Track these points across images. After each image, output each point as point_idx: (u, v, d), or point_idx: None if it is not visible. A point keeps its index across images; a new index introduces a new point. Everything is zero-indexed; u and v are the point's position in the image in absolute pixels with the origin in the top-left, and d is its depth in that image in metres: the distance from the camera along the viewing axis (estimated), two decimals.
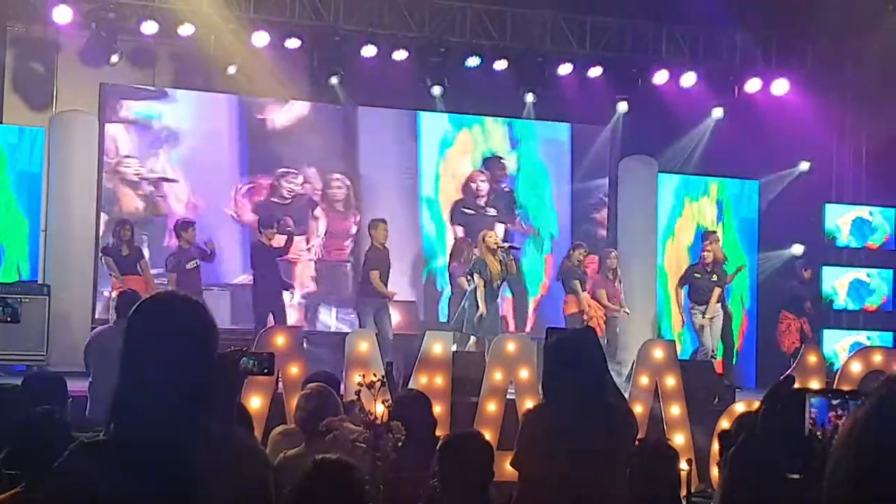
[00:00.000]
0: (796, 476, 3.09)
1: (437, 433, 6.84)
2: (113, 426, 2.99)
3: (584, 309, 14.97)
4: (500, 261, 13.69)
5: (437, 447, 5.29)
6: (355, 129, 17.09)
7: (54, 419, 5.22)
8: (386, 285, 14.13)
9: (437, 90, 16.40)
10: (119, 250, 13.91)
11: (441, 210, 17.30)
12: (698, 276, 15.25)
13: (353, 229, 16.80)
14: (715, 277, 15.23)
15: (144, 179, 16.13)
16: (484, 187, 17.11)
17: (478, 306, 13.36)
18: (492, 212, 16.89)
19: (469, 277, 13.86)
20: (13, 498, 4.38)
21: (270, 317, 13.75)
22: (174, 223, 14.59)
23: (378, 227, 14.32)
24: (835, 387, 10.91)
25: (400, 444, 5.60)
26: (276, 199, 16.59)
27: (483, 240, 13.91)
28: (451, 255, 15.84)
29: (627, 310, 15.36)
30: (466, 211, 16.84)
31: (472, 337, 13.38)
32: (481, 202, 17.07)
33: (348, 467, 4.13)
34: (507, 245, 14.23)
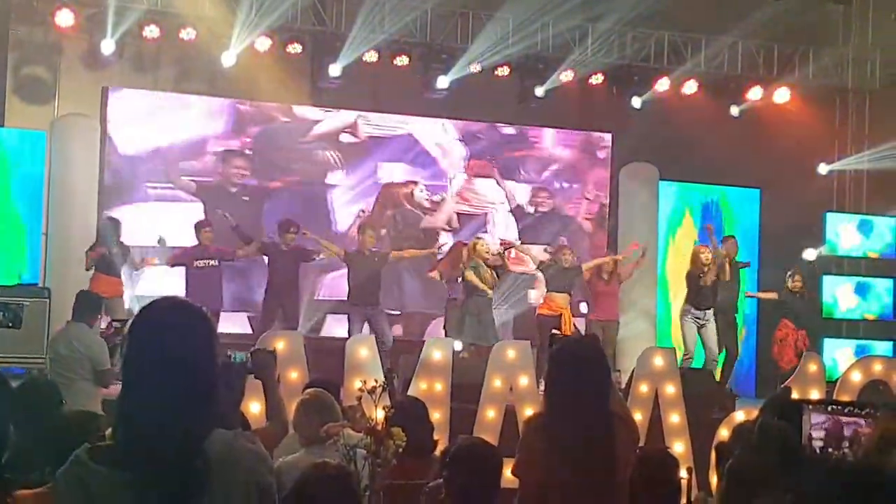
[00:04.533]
0: (792, 486, 3.10)
1: (434, 438, 6.84)
2: (118, 431, 3.00)
3: (557, 312, 14.85)
4: (491, 270, 13.92)
5: (447, 455, 5.28)
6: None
7: (93, 420, 5.24)
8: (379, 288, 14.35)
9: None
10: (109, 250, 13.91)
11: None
12: (700, 275, 15.06)
13: None
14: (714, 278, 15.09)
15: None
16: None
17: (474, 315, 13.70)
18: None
19: (461, 282, 13.99)
20: (41, 496, 4.39)
21: (280, 311, 13.92)
22: (195, 223, 14.67)
23: (366, 231, 14.42)
24: (835, 396, 10.90)
25: (401, 450, 5.59)
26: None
27: (474, 248, 14.04)
28: (448, 253, 15.78)
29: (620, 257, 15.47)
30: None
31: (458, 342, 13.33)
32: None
33: (345, 473, 4.13)
34: (498, 253, 14.42)
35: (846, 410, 4.42)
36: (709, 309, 14.94)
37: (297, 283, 14.50)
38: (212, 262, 14.18)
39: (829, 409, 4.44)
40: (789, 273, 15.95)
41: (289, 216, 14.91)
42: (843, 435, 4.35)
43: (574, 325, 14.89)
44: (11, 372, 12.69)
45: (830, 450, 4.21)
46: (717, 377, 14.74)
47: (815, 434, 4.41)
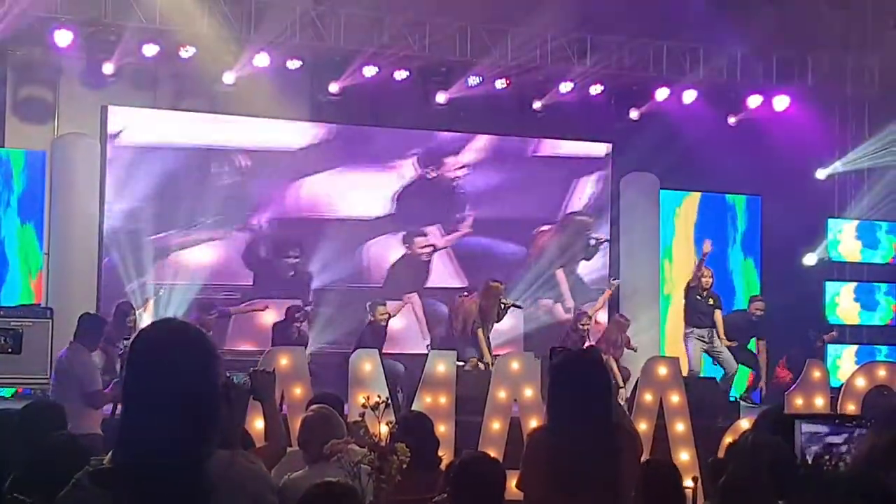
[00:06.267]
0: (785, 502, 3.11)
1: (440, 453, 6.84)
2: (118, 454, 2.98)
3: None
4: (498, 313, 14.29)
5: (451, 468, 5.27)
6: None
7: (76, 445, 5.24)
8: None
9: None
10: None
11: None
12: (699, 297, 15.04)
13: None
14: (711, 301, 15.02)
15: None
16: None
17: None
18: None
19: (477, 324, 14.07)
20: None
21: None
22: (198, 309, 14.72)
23: (377, 309, 14.49)
24: (839, 402, 10.89)
25: (405, 466, 5.58)
26: None
27: (496, 290, 14.17)
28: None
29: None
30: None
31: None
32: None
33: (348, 491, 4.12)
34: (510, 302, 14.64)
35: (837, 423, 4.41)
36: (711, 327, 14.89)
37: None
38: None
39: (819, 422, 4.43)
40: (812, 333, 15.95)
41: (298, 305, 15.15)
42: (835, 448, 4.34)
43: None
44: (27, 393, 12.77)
45: (824, 462, 4.19)
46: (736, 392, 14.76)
47: (807, 448, 4.40)
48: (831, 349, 17.11)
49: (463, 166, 17.55)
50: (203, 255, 16.15)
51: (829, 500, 2.43)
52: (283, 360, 9.87)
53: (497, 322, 14.56)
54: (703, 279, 15.03)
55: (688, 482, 8.08)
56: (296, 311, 14.82)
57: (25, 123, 15.59)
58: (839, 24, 18.09)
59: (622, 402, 11.59)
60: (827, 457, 4.14)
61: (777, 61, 17.59)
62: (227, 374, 4.46)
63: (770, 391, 15.24)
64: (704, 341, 14.89)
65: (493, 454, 9.34)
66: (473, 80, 16.35)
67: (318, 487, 4.04)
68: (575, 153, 18.14)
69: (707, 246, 15.20)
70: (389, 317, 14.62)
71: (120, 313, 13.51)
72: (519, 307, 15.14)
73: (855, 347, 17.74)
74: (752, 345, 15.85)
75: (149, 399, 2.97)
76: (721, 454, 8.15)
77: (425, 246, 17.39)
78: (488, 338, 14.21)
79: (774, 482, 4.08)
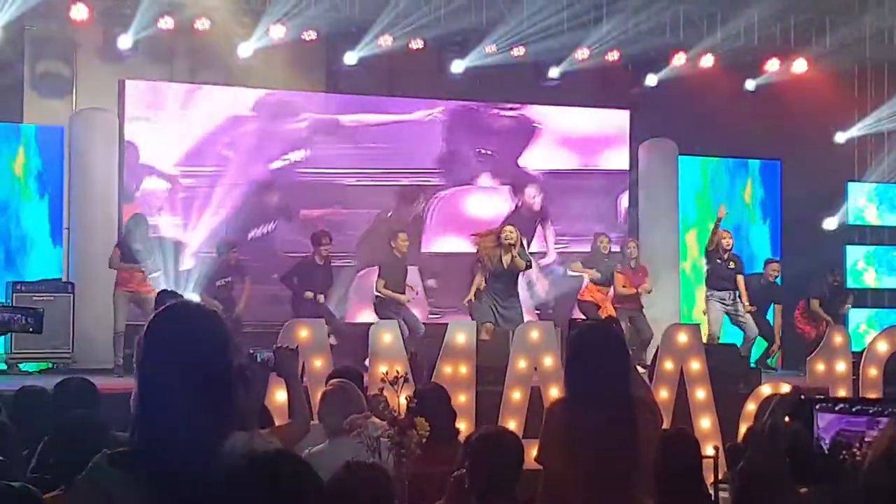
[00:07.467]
0: (804, 489, 3.11)
1: (459, 424, 6.86)
2: (135, 436, 3.00)
3: (598, 302, 14.87)
4: (512, 256, 13.57)
5: (470, 443, 5.28)
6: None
7: (92, 423, 5.27)
8: (403, 291, 14.23)
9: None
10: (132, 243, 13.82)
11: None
12: (719, 261, 14.97)
13: None
14: (732, 265, 14.95)
15: None
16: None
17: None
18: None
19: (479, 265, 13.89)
20: (53, 500, 4.41)
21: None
22: (221, 242, 14.67)
23: (398, 236, 14.37)
24: (861, 367, 10.89)
25: (424, 440, 5.60)
26: None
27: (499, 235, 13.75)
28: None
29: (649, 288, 15.09)
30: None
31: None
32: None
33: (380, 472, 4.12)
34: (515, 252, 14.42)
35: (854, 410, 4.38)
36: (732, 290, 14.81)
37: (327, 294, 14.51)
38: (227, 280, 14.10)
39: (838, 408, 4.40)
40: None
41: (323, 228, 14.90)
42: (853, 437, 4.31)
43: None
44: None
45: (841, 451, 4.17)
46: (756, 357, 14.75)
47: (825, 435, 4.38)
48: (853, 314, 17.06)
49: None
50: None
51: (848, 492, 2.43)
52: (303, 333, 9.89)
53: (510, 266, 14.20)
54: (724, 241, 14.89)
55: (709, 450, 8.08)
56: (322, 236, 14.40)
57: (44, 99, 15.62)
58: None
59: (642, 371, 11.57)
60: (845, 446, 4.11)
61: (795, 24, 17.46)
62: (251, 351, 4.48)
63: (789, 353, 15.20)
64: (726, 304, 14.82)
65: (514, 423, 9.41)
66: (489, 49, 16.30)
67: (346, 470, 4.01)
68: None
69: (721, 211, 15.10)
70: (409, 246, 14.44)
71: (131, 222, 13.75)
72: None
73: (876, 312, 17.71)
74: (771, 312, 15.81)
75: (164, 380, 2.99)
76: (741, 430, 8.15)
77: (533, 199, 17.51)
78: (488, 278, 13.75)
79: (793, 469, 4.06)
